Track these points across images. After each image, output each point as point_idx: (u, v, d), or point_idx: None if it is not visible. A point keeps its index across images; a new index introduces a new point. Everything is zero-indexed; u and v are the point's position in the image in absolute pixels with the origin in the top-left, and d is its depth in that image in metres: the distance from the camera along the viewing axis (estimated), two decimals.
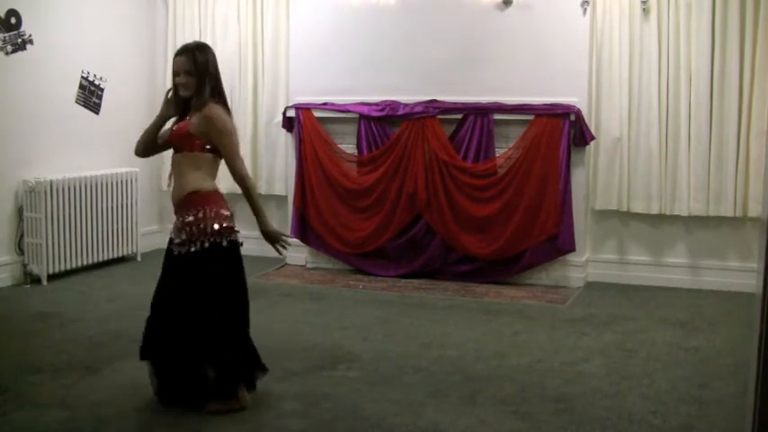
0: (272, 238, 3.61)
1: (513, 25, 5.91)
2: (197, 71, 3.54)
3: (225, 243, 3.51)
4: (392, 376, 4.02)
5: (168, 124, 3.73)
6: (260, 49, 6.70)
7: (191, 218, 3.48)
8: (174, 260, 3.54)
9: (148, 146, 3.76)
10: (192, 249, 3.46)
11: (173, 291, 3.56)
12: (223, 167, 3.63)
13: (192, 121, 3.53)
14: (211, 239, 3.47)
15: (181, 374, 3.59)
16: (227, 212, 3.56)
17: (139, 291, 5.66)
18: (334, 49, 6.30)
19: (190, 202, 3.51)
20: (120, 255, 6.57)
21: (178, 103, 3.64)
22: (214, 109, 3.53)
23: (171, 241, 3.59)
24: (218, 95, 3.59)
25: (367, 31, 6.25)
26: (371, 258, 6.23)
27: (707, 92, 5.62)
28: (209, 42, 6.75)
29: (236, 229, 3.58)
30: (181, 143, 3.57)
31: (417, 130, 6.00)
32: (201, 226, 3.46)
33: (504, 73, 5.94)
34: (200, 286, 3.50)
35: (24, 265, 5.83)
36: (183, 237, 3.48)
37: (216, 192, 3.59)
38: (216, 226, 3.48)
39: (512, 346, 4.54)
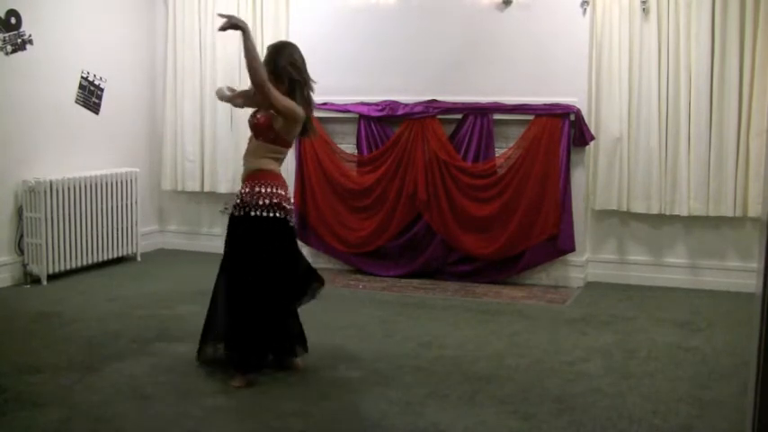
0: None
1: (513, 25, 5.91)
2: (283, 68, 3.92)
3: (270, 215, 3.86)
4: (392, 376, 4.02)
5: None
6: (260, 50, 6.67)
7: (247, 189, 3.90)
8: (232, 222, 3.97)
9: (227, 99, 4.25)
10: (240, 213, 3.89)
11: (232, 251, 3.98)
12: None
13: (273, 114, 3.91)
14: (258, 212, 3.85)
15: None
16: (280, 191, 3.92)
17: (139, 291, 5.68)
18: (333, 49, 6.30)
19: (253, 177, 3.92)
20: (120, 255, 6.57)
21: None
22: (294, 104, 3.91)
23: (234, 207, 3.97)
24: (303, 87, 3.95)
25: (367, 30, 6.25)
26: (371, 258, 6.24)
27: (707, 92, 5.62)
28: (208, 43, 6.82)
29: (286, 206, 3.93)
30: (260, 132, 3.97)
31: (417, 130, 6.00)
32: (255, 198, 3.86)
33: (504, 73, 5.94)
34: (244, 248, 3.89)
35: (24, 265, 5.83)
36: (238, 201, 3.92)
37: (277, 174, 3.98)
38: (266, 201, 3.86)
39: (512, 346, 4.54)
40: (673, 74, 5.70)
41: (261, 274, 3.88)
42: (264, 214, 3.86)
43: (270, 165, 3.96)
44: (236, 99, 4.21)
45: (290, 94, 3.90)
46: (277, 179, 3.96)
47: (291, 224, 4.01)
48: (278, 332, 4.02)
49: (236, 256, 3.93)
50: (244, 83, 6.71)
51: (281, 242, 3.96)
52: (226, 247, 4.01)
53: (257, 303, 3.89)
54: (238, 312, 3.92)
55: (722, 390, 3.87)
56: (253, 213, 3.86)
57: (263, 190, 3.88)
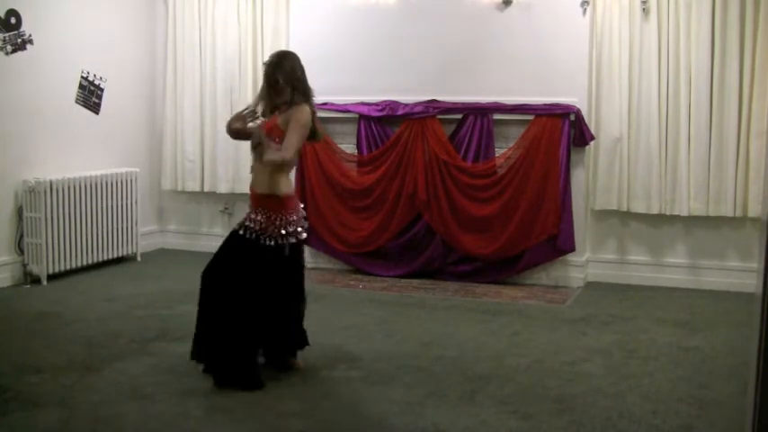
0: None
1: (513, 25, 5.91)
2: (285, 80, 3.92)
3: (286, 242, 3.89)
4: (392, 376, 4.02)
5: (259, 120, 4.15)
6: (260, 49, 6.70)
7: (260, 217, 3.88)
8: (236, 237, 3.92)
9: (236, 132, 4.18)
10: (250, 237, 3.87)
11: (226, 264, 3.92)
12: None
13: (280, 118, 3.91)
14: (274, 240, 3.87)
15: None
16: (294, 218, 3.93)
17: (139, 291, 5.68)
18: (333, 49, 6.30)
19: (266, 202, 3.90)
20: (120, 255, 6.57)
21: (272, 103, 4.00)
22: (304, 110, 3.90)
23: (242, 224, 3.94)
24: (305, 95, 3.95)
25: (367, 30, 6.25)
26: (371, 258, 6.24)
27: (707, 92, 5.62)
28: (208, 42, 6.82)
29: (298, 230, 3.95)
30: (268, 136, 3.90)
31: (417, 130, 6.00)
32: (271, 227, 3.86)
33: (504, 73, 5.94)
34: (248, 268, 3.86)
35: (24, 265, 5.83)
36: (251, 225, 3.88)
37: (290, 197, 3.97)
38: (282, 231, 3.88)
39: (512, 346, 4.54)
40: (673, 74, 5.70)
41: (259, 297, 3.89)
42: (278, 242, 3.88)
43: (282, 186, 3.91)
44: (236, 124, 4.16)
45: (291, 103, 3.91)
46: (289, 205, 3.93)
47: (301, 243, 4.03)
48: (265, 341, 4.01)
49: (237, 276, 3.88)
50: (243, 83, 6.74)
51: (289, 266, 3.99)
52: (219, 261, 3.93)
53: (249, 323, 3.88)
54: (233, 333, 3.86)
55: (722, 390, 3.87)
56: (266, 242, 3.86)
57: (277, 221, 3.88)
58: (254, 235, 3.87)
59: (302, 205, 4.12)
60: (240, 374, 3.85)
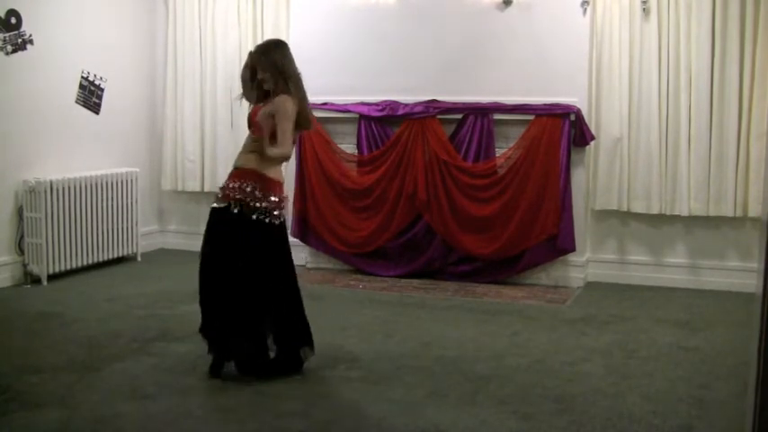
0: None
1: (513, 25, 5.91)
2: (270, 69, 3.90)
3: (267, 221, 3.88)
4: (392, 376, 4.02)
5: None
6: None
7: (234, 184, 3.88)
8: (218, 217, 3.94)
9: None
10: (234, 210, 3.86)
11: (215, 247, 3.93)
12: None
13: (263, 109, 3.89)
14: (254, 215, 3.85)
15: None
16: (271, 198, 3.89)
17: (139, 291, 5.68)
18: (334, 49, 6.30)
19: (248, 176, 3.88)
20: (120, 255, 6.57)
21: (260, 90, 4.00)
22: (285, 101, 3.84)
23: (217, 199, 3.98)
24: (292, 86, 3.88)
25: (367, 30, 6.25)
26: (371, 258, 6.24)
27: (707, 92, 5.62)
28: (208, 42, 6.82)
29: (276, 213, 3.91)
30: (251, 125, 3.98)
31: (417, 130, 6.00)
32: (248, 199, 3.85)
33: (504, 73, 5.94)
34: (234, 245, 3.87)
35: (24, 265, 5.83)
36: (222, 195, 3.92)
37: (274, 180, 3.93)
38: (258, 204, 3.85)
39: (512, 346, 4.54)
40: (673, 74, 5.70)
41: (261, 277, 3.90)
42: (258, 217, 3.87)
43: (269, 170, 3.90)
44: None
45: (281, 92, 3.87)
46: (270, 185, 3.89)
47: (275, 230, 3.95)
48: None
49: (228, 254, 3.89)
50: None
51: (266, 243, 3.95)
52: (211, 245, 3.96)
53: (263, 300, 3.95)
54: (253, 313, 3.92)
55: (722, 390, 3.87)
56: (236, 210, 3.86)
57: (248, 188, 3.85)
58: (224, 204, 3.88)
59: (288, 197, 4.09)
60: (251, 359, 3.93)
